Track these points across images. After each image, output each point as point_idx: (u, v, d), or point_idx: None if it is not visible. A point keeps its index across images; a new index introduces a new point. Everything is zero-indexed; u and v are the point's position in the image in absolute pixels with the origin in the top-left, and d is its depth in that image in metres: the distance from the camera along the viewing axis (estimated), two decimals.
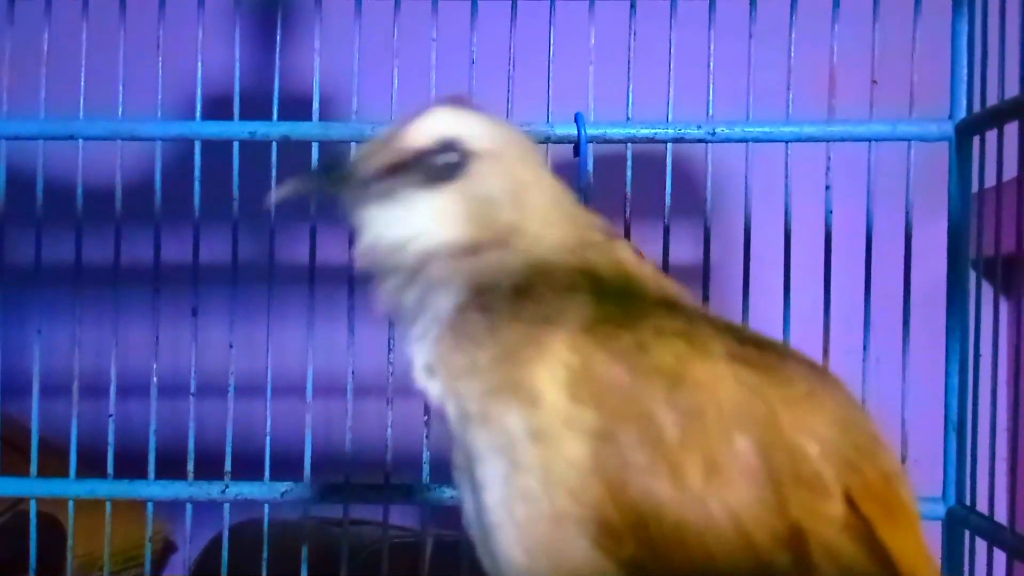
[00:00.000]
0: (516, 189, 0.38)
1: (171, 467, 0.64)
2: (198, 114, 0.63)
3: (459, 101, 0.39)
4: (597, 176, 0.62)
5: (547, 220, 0.38)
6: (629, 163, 0.63)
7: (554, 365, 0.34)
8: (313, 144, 0.63)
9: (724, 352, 0.34)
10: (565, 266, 0.37)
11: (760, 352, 0.35)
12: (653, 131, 0.62)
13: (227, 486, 0.63)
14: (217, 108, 0.64)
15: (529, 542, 0.34)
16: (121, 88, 0.63)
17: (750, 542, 0.32)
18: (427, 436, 0.61)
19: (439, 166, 0.38)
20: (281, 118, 0.63)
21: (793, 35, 0.62)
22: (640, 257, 0.60)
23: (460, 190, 0.38)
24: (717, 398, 0.33)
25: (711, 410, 0.33)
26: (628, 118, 0.63)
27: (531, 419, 0.34)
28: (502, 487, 0.35)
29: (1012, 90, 0.56)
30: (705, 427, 0.33)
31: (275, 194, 0.40)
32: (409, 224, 0.38)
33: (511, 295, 0.36)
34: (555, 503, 0.33)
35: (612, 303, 0.35)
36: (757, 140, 0.62)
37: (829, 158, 0.62)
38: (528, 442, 0.34)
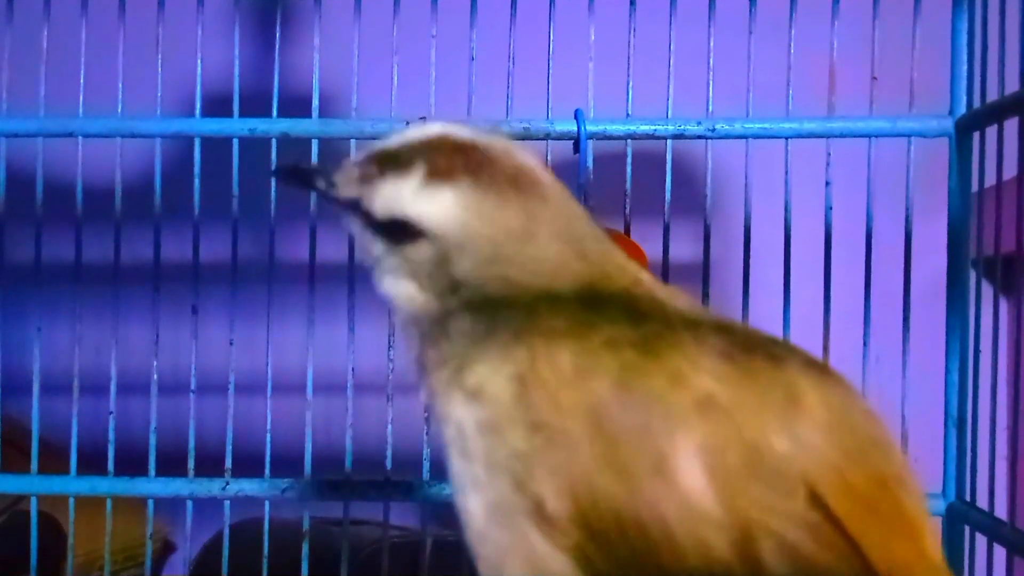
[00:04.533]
0: (477, 282, 0.38)
1: (171, 464, 0.64)
2: (198, 111, 0.63)
3: (454, 168, 0.38)
4: (597, 173, 0.62)
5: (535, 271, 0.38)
6: (629, 160, 0.63)
7: (499, 363, 0.35)
8: (313, 141, 0.63)
9: (688, 363, 0.34)
10: (531, 285, 0.38)
11: (746, 356, 0.35)
12: (653, 128, 0.62)
13: (227, 483, 0.63)
14: (217, 105, 0.64)
15: (481, 530, 0.35)
16: (121, 85, 0.63)
17: (693, 536, 0.33)
18: (427, 433, 0.61)
19: (358, 211, 0.39)
20: (281, 115, 0.63)
21: (793, 31, 0.62)
22: (642, 258, 0.60)
23: (400, 255, 0.39)
24: (666, 403, 0.33)
25: (656, 413, 0.33)
26: (628, 115, 0.63)
27: (478, 412, 0.35)
28: (460, 477, 0.36)
29: (1012, 86, 0.56)
30: (649, 428, 0.33)
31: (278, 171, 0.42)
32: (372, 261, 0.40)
33: (464, 306, 0.38)
34: (499, 491, 0.34)
35: (569, 318, 0.36)
36: (757, 136, 0.62)
37: (829, 154, 0.62)
38: (475, 432, 0.35)
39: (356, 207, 0.39)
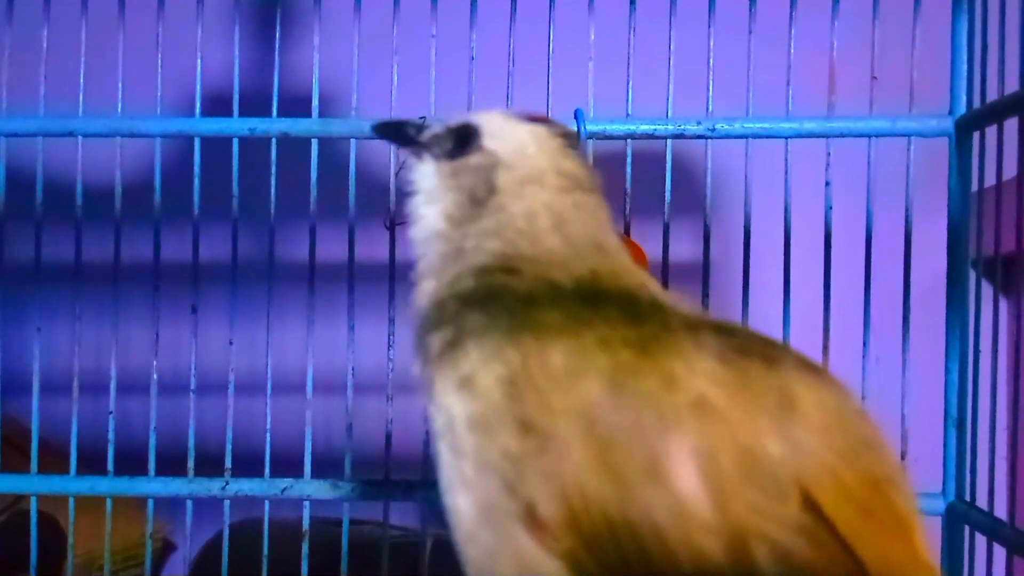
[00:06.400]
0: (509, 199, 0.41)
1: (171, 464, 0.64)
2: (198, 111, 0.63)
3: (544, 120, 0.43)
4: (597, 172, 0.62)
5: (543, 236, 0.40)
6: (629, 159, 0.63)
7: (491, 359, 0.35)
8: (313, 141, 0.63)
9: (683, 365, 0.34)
10: (535, 275, 0.38)
11: (742, 358, 0.35)
12: (653, 127, 0.62)
13: (227, 483, 0.63)
14: (217, 105, 0.64)
15: (469, 531, 0.35)
16: (120, 85, 0.63)
17: (686, 540, 0.32)
18: (427, 432, 0.61)
19: (440, 139, 0.43)
20: (281, 115, 0.63)
21: (793, 31, 0.62)
22: (642, 258, 0.60)
23: (449, 170, 0.42)
24: (659, 404, 0.33)
25: (649, 414, 0.33)
26: (628, 114, 0.63)
27: (468, 406, 0.35)
28: (449, 473, 0.36)
29: (1012, 86, 0.56)
30: (642, 430, 0.33)
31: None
32: (416, 193, 0.43)
33: (464, 291, 0.38)
34: (489, 492, 0.34)
35: (564, 312, 0.36)
36: (757, 136, 0.62)
37: (829, 154, 0.62)
38: (466, 428, 0.35)
39: (435, 138, 0.43)
